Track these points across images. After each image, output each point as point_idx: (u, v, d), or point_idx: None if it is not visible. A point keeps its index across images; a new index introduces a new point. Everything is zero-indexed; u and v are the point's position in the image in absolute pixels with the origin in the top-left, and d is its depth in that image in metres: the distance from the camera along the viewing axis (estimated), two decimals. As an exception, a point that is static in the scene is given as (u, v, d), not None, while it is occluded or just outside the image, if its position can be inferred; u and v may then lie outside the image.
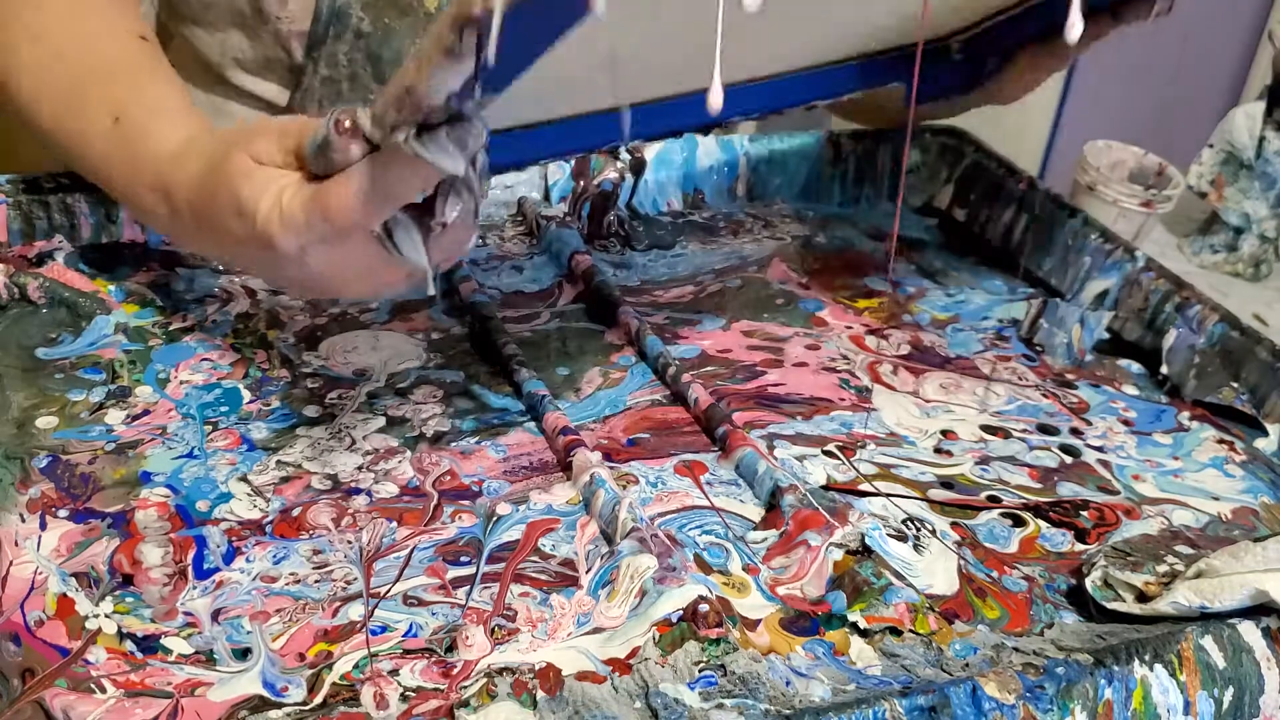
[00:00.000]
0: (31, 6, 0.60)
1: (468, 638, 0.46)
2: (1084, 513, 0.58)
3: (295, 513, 0.52)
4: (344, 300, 0.55)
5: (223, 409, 0.58)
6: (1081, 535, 0.57)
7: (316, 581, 0.49)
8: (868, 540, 0.52)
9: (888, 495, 0.57)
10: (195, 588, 0.48)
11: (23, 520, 0.50)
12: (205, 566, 0.49)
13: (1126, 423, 0.66)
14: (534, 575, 0.50)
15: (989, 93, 0.78)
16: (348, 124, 0.43)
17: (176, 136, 0.53)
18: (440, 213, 0.46)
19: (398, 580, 0.49)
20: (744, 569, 0.52)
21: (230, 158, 0.47)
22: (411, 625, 0.47)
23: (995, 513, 0.58)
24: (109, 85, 0.57)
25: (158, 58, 0.60)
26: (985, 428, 0.64)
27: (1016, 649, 0.49)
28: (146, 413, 0.57)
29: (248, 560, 0.49)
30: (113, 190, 0.57)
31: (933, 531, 0.55)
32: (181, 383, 0.59)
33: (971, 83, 0.77)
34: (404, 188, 0.43)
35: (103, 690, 0.43)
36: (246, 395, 0.59)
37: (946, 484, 0.59)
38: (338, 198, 0.44)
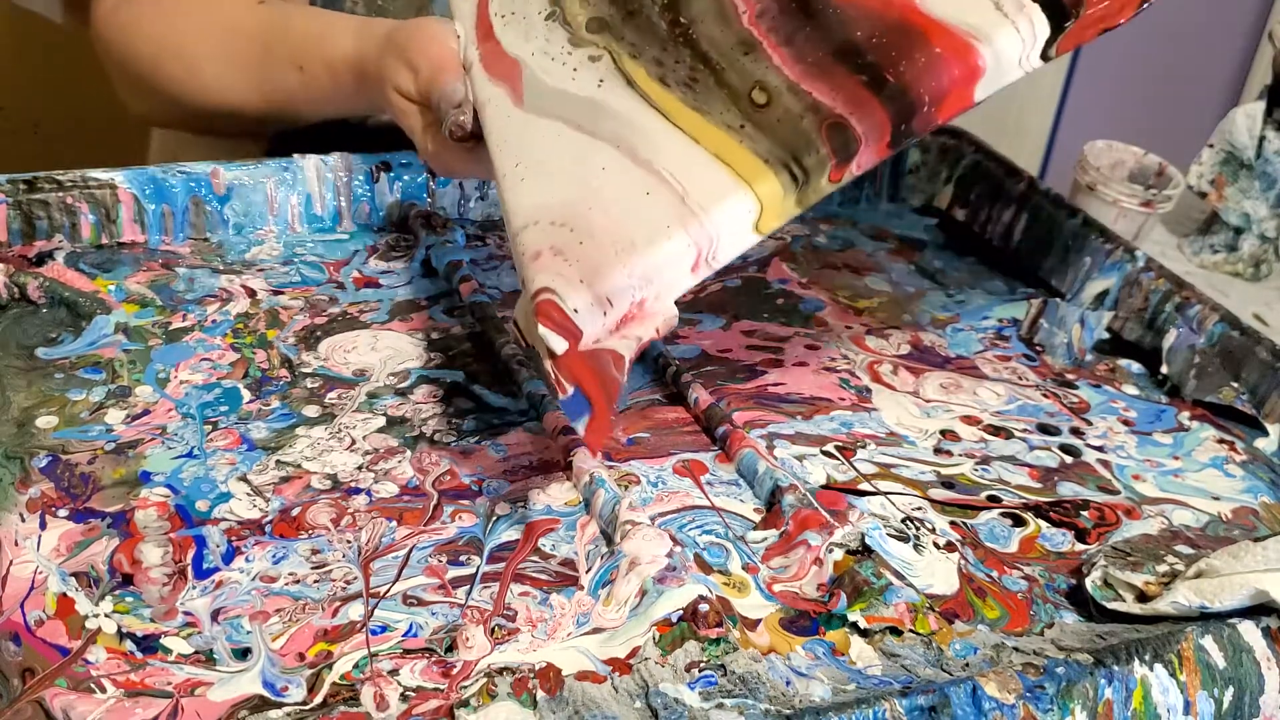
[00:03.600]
0: (180, 15, 0.74)
1: (468, 638, 0.46)
2: (1084, 512, 0.58)
3: (295, 513, 0.52)
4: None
5: (223, 409, 0.58)
6: (1082, 535, 0.57)
7: (316, 581, 0.49)
8: (868, 540, 0.52)
9: (886, 494, 0.57)
10: (195, 587, 0.48)
11: (23, 520, 0.50)
12: (205, 566, 0.49)
13: (1127, 423, 0.66)
14: (534, 575, 0.50)
15: None
16: (460, 133, 0.57)
17: (346, 44, 0.67)
18: None
19: (397, 580, 0.49)
20: (744, 568, 0.52)
21: (385, 91, 0.62)
22: (411, 625, 0.47)
23: (995, 512, 0.58)
24: (277, 48, 0.71)
25: (284, 9, 0.72)
26: (987, 427, 0.64)
27: (1016, 649, 0.49)
28: (146, 412, 0.57)
29: (247, 560, 0.49)
30: (322, 100, 0.71)
31: (932, 530, 0.55)
32: (181, 383, 0.59)
33: None
34: None
35: (103, 690, 0.43)
36: (246, 395, 0.59)
37: (947, 484, 0.59)
38: (452, 164, 0.60)
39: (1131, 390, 0.70)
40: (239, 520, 0.51)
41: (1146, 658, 0.46)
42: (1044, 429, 0.65)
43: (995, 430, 0.64)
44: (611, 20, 0.56)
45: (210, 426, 0.57)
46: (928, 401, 0.65)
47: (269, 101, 0.73)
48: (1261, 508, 0.61)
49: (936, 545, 0.54)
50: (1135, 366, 0.71)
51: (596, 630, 0.47)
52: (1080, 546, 0.56)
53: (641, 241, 0.48)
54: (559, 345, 0.47)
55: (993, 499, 0.58)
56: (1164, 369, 0.70)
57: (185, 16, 0.74)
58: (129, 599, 0.47)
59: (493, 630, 0.47)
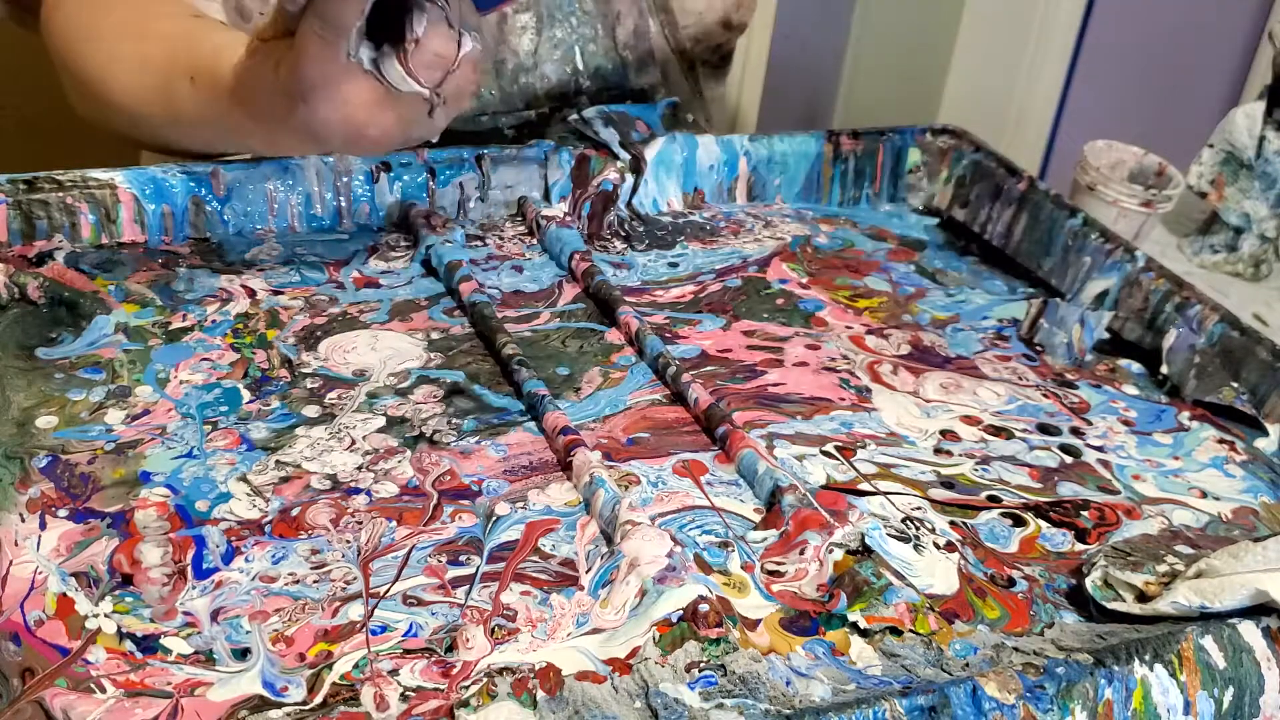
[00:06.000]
0: (112, 9, 0.73)
1: (468, 638, 0.46)
2: (1084, 512, 0.58)
3: (294, 513, 0.52)
4: (385, 145, 0.60)
5: (222, 409, 0.58)
6: (1082, 535, 0.57)
7: (315, 582, 0.49)
8: (868, 540, 0.52)
9: (886, 494, 0.57)
10: (194, 588, 0.48)
11: (23, 520, 0.50)
12: (204, 566, 0.49)
13: (1127, 423, 0.66)
14: (534, 575, 0.50)
15: None
16: (292, 7, 0.53)
17: (239, 59, 0.63)
18: (409, 30, 0.53)
19: (396, 580, 0.49)
20: (743, 567, 0.52)
21: (247, 43, 0.60)
22: (411, 625, 0.47)
23: (995, 512, 0.58)
24: (180, 58, 0.68)
25: (208, 24, 0.71)
26: (987, 427, 0.64)
27: (1016, 649, 0.49)
28: (146, 412, 0.57)
29: (247, 560, 0.49)
30: (204, 120, 0.68)
31: (932, 530, 0.55)
32: (181, 382, 0.59)
33: None
34: (340, 8, 0.52)
35: (103, 690, 0.43)
36: (246, 395, 0.59)
37: (947, 484, 0.59)
38: (301, 50, 0.54)
39: (1131, 390, 0.70)
40: (239, 520, 0.51)
41: (1146, 658, 0.46)
42: (1044, 429, 0.65)
43: (995, 430, 0.64)
44: None
45: (210, 426, 0.57)
46: (928, 401, 0.65)
47: (166, 112, 0.70)
48: (1261, 508, 0.61)
49: (936, 545, 0.54)
50: (1135, 366, 0.71)
51: (596, 630, 0.47)
52: (1080, 546, 0.56)
53: None
54: None
55: (993, 499, 0.58)
56: (1164, 369, 0.70)
57: (116, 11, 0.73)
58: (129, 599, 0.47)
59: (493, 630, 0.47)
